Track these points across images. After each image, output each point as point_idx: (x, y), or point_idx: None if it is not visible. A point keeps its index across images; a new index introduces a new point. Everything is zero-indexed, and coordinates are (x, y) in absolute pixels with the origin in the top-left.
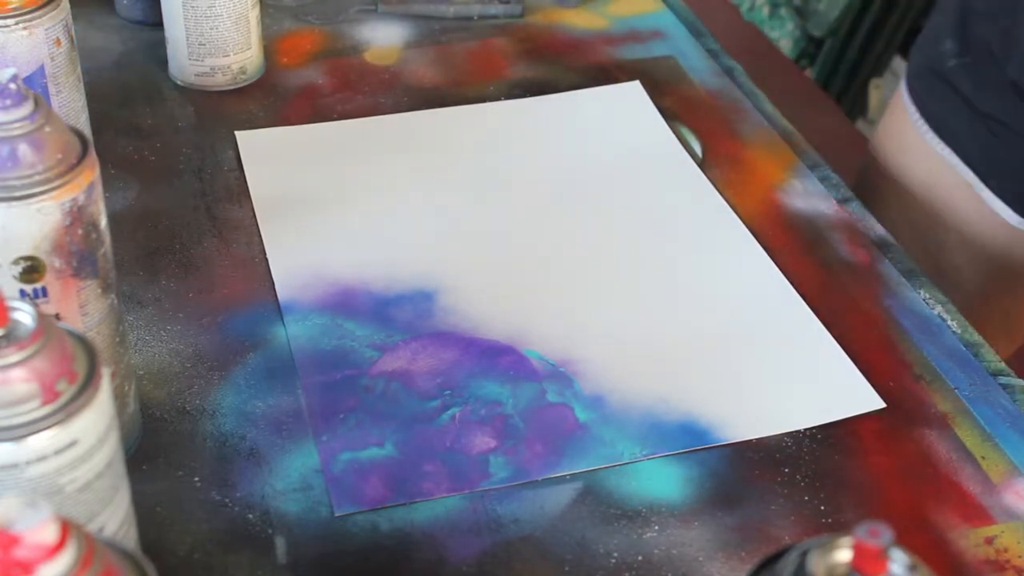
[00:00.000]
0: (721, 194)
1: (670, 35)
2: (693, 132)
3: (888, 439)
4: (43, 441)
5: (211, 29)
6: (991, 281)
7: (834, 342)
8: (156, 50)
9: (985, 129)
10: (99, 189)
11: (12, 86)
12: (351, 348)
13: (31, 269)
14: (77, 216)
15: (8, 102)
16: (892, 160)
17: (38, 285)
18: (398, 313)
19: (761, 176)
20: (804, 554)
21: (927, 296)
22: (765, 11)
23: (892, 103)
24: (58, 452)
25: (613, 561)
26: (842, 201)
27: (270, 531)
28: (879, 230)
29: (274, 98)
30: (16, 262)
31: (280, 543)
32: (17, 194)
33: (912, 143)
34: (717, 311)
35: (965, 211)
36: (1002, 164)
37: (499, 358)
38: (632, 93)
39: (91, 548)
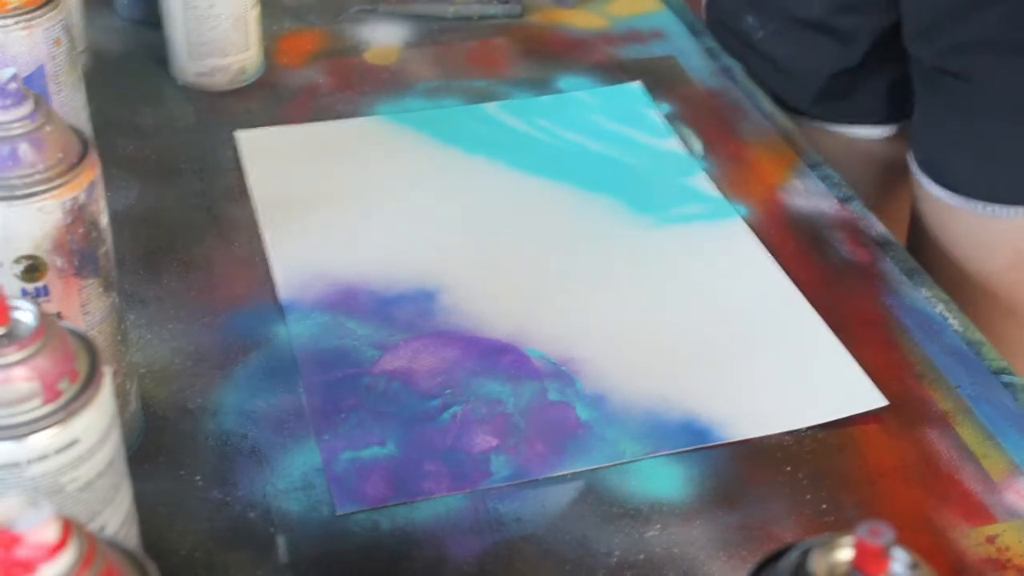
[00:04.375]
0: (722, 193)
1: (670, 35)
2: (693, 132)
3: (889, 438)
4: (44, 440)
5: (211, 29)
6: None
7: (836, 340)
8: (156, 50)
9: (804, 78)
10: (100, 188)
11: (12, 86)
12: (352, 347)
13: (32, 268)
14: (78, 215)
15: (8, 102)
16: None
17: (39, 284)
18: (399, 312)
19: (762, 175)
20: (805, 553)
21: (928, 295)
22: None
23: None
24: (59, 451)
25: (614, 560)
26: (843, 200)
27: (271, 530)
28: (880, 229)
29: (274, 98)
30: (17, 261)
31: (281, 542)
32: (18, 193)
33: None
34: (718, 310)
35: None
36: (836, 100)
37: (500, 357)
38: (632, 93)
39: (92, 547)
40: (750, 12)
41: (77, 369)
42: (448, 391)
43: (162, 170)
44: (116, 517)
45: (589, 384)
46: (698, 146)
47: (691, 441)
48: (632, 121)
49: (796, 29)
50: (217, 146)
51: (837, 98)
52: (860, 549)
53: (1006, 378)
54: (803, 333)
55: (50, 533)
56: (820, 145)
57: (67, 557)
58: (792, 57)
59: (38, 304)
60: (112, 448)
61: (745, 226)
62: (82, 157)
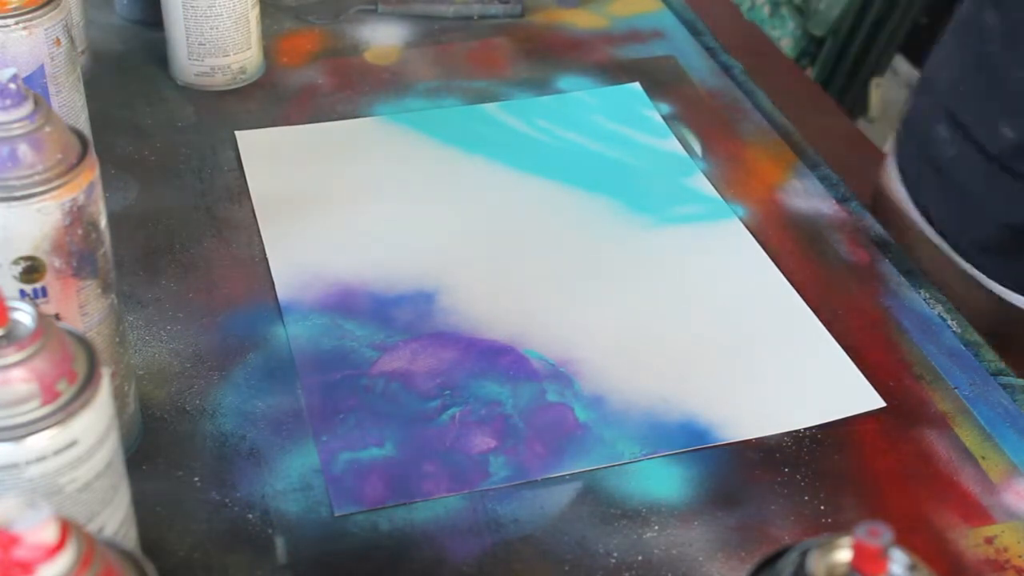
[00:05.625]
0: (721, 194)
1: (670, 35)
2: (693, 132)
3: (888, 439)
4: (43, 441)
5: (211, 29)
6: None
7: (833, 341)
8: (156, 50)
9: (977, 217)
10: (99, 189)
11: (12, 86)
12: (351, 348)
13: (31, 269)
14: (77, 216)
15: (8, 102)
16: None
17: (38, 285)
18: (398, 313)
19: (761, 176)
20: (804, 554)
21: (927, 296)
22: (766, 10)
23: (885, 175)
24: (58, 452)
25: (613, 561)
26: (842, 201)
27: (270, 531)
28: (878, 229)
29: (274, 98)
30: (16, 262)
31: (280, 543)
32: (17, 194)
33: (909, 225)
34: (717, 311)
35: (963, 288)
36: (999, 252)
37: (499, 358)
38: (632, 94)
39: (91, 548)
40: (943, 123)
41: (75, 370)
42: (447, 392)
43: (161, 170)
44: (115, 518)
45: (588, 385)
46: (697, 146)
47: (689, 442)
48: (631, 121)
49: (982, 159)
50: (217, 146)
51: (1004, 255)
52: (859, 550)
53: (1004, 379)
54: (800, 334)
55: (49, 534)
56: (975, 301)
57: (66, 558)
58: (970, 189)
59: (36, 305)
60: (110, 449)
61: (743, 227)
62: (81, 158)
